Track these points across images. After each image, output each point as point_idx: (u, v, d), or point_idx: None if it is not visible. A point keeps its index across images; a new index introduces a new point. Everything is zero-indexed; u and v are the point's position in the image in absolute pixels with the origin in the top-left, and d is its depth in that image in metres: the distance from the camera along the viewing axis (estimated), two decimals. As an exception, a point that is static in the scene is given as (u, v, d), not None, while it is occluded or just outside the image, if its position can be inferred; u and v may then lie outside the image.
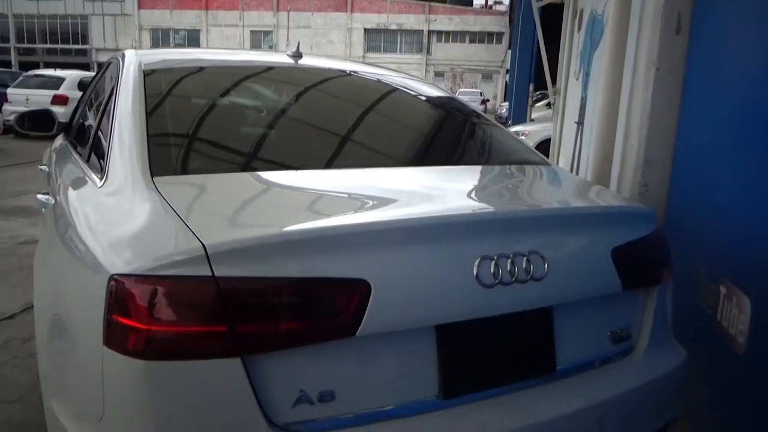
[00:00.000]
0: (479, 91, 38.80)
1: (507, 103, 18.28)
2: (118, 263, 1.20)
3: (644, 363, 1.61)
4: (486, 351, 1.37)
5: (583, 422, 1.42)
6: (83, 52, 48.63)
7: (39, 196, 2.17)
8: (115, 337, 1.15)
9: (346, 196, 1.54)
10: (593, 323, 1.55)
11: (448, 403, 1.31)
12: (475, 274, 1.29)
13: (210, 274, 1.12)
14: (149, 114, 1.69)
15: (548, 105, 9.74)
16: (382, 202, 1.49)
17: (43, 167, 3.03)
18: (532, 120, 11.27)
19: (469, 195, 1.69)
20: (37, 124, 3.38)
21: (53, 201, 2.00)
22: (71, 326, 1.38)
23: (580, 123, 5.19)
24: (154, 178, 1.45)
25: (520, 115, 12.62)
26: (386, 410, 1.27)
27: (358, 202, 1.50)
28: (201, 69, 2.22)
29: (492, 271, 1.30)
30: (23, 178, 7.83)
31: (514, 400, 1.38)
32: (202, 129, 1.83)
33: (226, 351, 1.13)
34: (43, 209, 2.13)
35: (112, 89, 1.95)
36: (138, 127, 1.62)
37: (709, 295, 2.35)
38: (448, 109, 2.38)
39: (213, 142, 1.80)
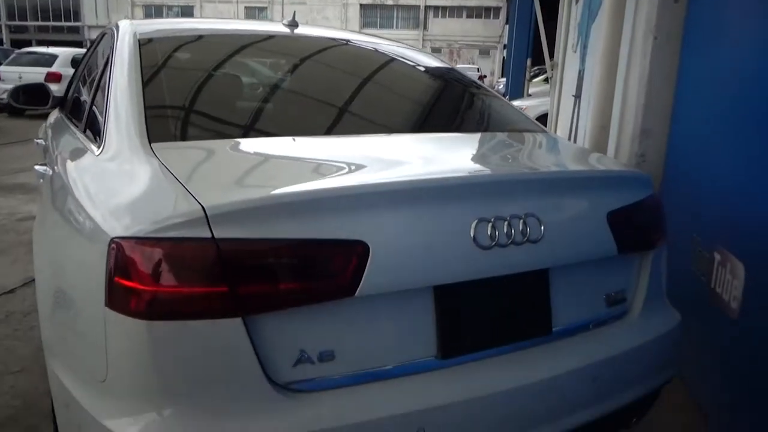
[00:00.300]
0: (476, 66, 38.45)
1: (504, 79, 18.15)
2: (118, 227, 1.20)
3: (639, 325, 1.63)
4: (483, 312, 1.39)
5: (579, 382, 1.45)
6: (75, 30, 47.95)
7: (37, 166, 2.17)
8: (116, 299, 1.16)
9: (344, 161, 1.55)
10: (589, 286, 1.57)
11: (446, 363, 1.33)
12: (472, 236, 1.30)
13: (210, 235, 1.13)
14: (145, 82, 1.69)
15: (546, 80, 9.69)
16: (380, 166, 1.50)
17: (39, 141, 3.02)
18: (530, 95, 11.21)
19: (466, 159, 1.69)
20: (31, 98, 3.36)
21: (51, 172, 2.01)
22: (73, 291, 1.39)
23: (578, 96, 5.17)
24: (152, 145, 1.45)
25: (517, 90, 12.55)
26: (385, 370, 1.29)
27: (356, 166, 1.50)
28: (197, 38, 2.21)
29: (489, 233, 1.32)
30: (19, 156, 7.80)
31: (510, 360, 1.40)
32: (199, 97, 1.82)
33: (227, 311, 1.14)
34: (41, 180, 2.13)
35: (108, 59, 1.94)
36: (134, 95, 1.62)
37: (704, 262, 2.38)
38: (446, 79, 2.37)
39: (210, 109, 1.79)
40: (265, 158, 1.54)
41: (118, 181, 1.42)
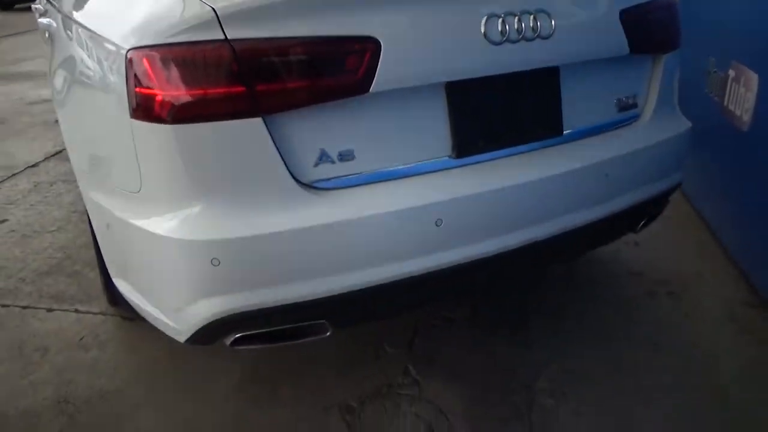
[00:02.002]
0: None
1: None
2: (132, 38, 1.22)
3: (649, 129, 1.65)
4: (495, 111, 1.42)
5: (591, 177, 1.50)
6: None
7: (40, 19, 2.15)
8: (140, 108, 1.20)
9: None
10: (600, 88, 1.57)
11: (460, 162, 1.38)
12: (482, 31, 1.30)
13: (223, 37, 1.14)
14: None
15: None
16: None
17: (37, 6, 2.96)
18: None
19: None
20: None
21: (55, 23, 1.99)
22: (98, 115, 1.43)
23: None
24: None
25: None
26: (403, 168, 1.34)
27: None
28: None
29: (499, 28, 1.31)
30: (18, 47, 7.67)
31: (523, 159, 1.45)
32: None
33: (247, 111, 1.18)
34: (47, 33, 2.12)
35: None
36: None
37: (718, 83, 2.36)
38: None
39: None
40: None
41: (123, 3, 1.41)
